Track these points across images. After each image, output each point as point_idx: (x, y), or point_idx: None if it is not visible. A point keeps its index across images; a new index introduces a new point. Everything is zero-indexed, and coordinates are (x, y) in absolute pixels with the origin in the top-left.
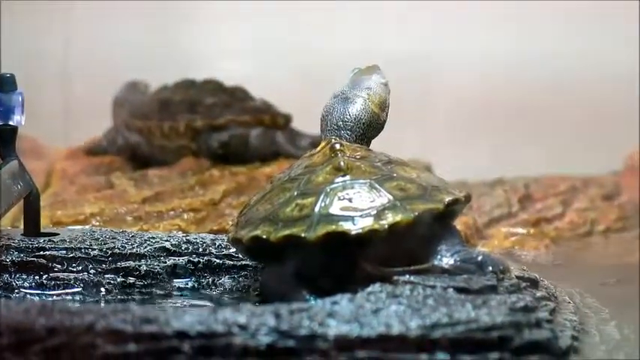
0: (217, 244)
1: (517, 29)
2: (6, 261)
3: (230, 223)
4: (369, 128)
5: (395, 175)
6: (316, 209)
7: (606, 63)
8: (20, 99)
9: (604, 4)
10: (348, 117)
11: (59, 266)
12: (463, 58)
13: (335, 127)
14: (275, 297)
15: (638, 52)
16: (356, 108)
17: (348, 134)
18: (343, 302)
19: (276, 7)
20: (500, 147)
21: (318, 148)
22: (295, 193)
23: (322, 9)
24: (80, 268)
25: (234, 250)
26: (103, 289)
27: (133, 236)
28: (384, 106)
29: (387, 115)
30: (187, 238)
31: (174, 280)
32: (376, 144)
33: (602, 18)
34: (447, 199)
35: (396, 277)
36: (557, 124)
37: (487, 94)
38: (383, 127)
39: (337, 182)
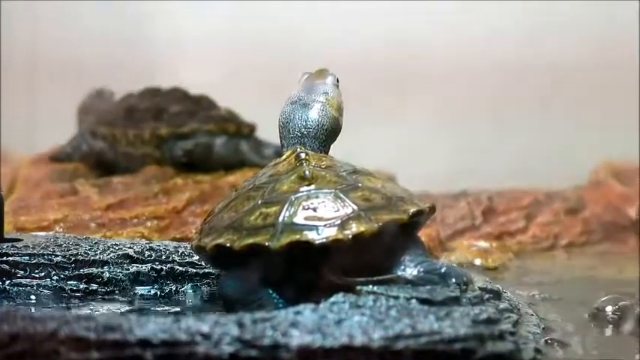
0: (180, 251)
1: (484, 32)
2: None
3: (193, 231)
4: (331, 134)
5: (360, 185)
6: (280, 218)
7: (570, 74)
8: None
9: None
10: (311, 124)
11: (22, 272)
12: (430, 65)
13: (298, 134)
14: (237, 302)
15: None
16: (317, 114)
17: (311, 141)
18: (306, 312)
19: (243, 15)
20: (464, 159)
21: (283, 157)
22: (260, 202)
23: (287, 17)
24: (43, 274)
25: (198, 257)
26: (65, 296)
27: (96, 243)
28: (341, 109)
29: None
30: (150, 245)
31: (137, 288)
32: (341, 153)
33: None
34: (412, 209)
35: (359, 287)
36: (522, 136)
37: (451, 105)
38: (340, 131)
39: (302, 191)
